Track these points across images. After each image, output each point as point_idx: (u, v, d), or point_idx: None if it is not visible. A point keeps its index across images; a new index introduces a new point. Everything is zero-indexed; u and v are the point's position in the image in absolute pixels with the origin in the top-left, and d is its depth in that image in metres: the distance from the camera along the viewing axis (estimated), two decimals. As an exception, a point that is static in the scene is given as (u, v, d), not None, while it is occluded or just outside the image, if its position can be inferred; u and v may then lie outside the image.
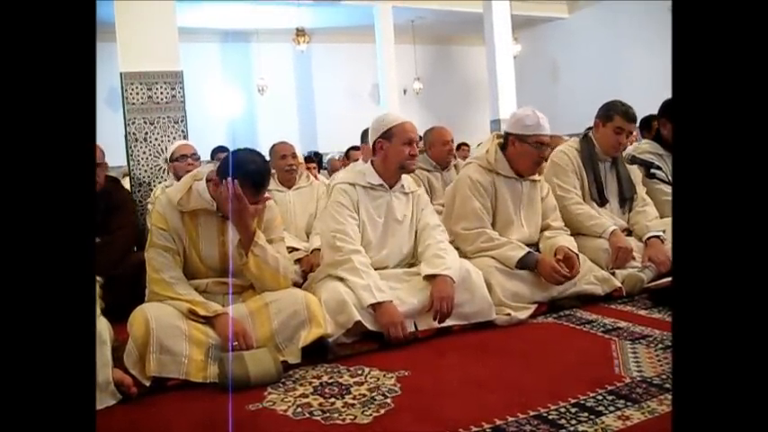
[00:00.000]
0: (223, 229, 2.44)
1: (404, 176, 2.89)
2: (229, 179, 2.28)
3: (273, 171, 3.97)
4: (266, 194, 2.49)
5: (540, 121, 3.00)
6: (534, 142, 3.00)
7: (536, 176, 3.18)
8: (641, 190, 3.52)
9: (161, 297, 2.32)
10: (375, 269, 2.66)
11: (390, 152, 2.77)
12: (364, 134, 4.34)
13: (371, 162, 2.85)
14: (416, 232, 2.88)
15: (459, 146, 8.03)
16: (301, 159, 4.43)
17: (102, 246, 3.20)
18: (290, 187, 3.93)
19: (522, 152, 3.04)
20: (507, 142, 3.10)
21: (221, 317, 2.28)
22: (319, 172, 6.69)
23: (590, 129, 3.52)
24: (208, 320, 2.28)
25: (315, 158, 6.98)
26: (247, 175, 2.29)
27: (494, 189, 3.08)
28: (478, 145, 3.99)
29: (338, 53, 16.90)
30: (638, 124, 5.56)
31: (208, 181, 2.41)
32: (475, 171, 3.10)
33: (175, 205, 2.39)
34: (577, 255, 2.96)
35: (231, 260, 2.43)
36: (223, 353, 2.20)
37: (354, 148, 6.41)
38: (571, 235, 3.17)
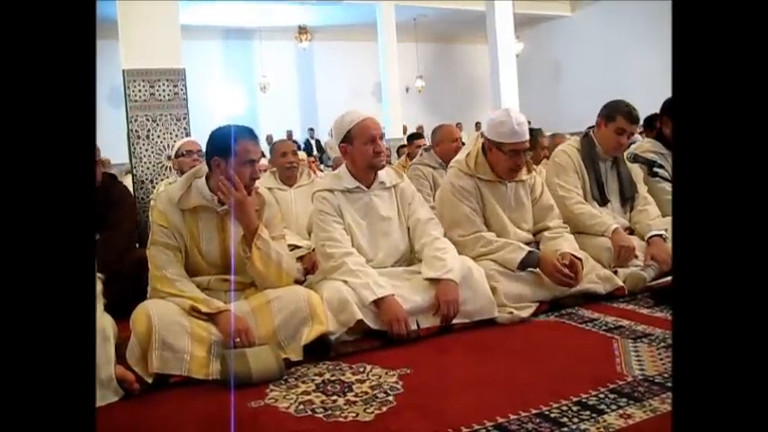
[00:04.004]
0: (223, 225, 2.44)
1: (382, 171, 2.84)
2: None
3: (275, 169, 3.97)
4: (266, 192, 2.51)
5: (515, 128, 2.88)
6: (509, 151, 2.92)
7: (522, 176, 3.11)
8: (642, 189, 3.50)
9: (163, 294, 2.32)
10: (374, 270, 2.65)
11: (355, 154, 2.74)
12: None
13: (345, 165, 2.84)
14: (409, 229, 2.86)
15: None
16: (302, 155, 4.42)
17: (102, 242, 3.20)
18: (291, 185, 3.93)
19: (498, 159, 2.97)
20: (485, 146, 3.04)
21: (223, 314, 2.29)
22: (319, 166, 6.69)
23: (591, 127, 3.51)
24: (210, 317, 2.29)
25: (311, 133, 7.01)
26: (239, 131, 2.38)
27: (478, 192, 3.03)
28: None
29: (340, 51, 16.93)
30: (641, 124, 5.56)
31: (208, 178, 2.42)
32: (455, 176, 3.06)
33: (176, 203, 2.39)
34: (580, 259, 2.94)
35: (233, 256, 2.44)
36: (225, 350, 2.21)
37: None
38: (572, 233, 3.16)
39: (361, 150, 2.72)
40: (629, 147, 3.56)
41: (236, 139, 2.36)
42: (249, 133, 2.42)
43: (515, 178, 3.07)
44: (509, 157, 2.94)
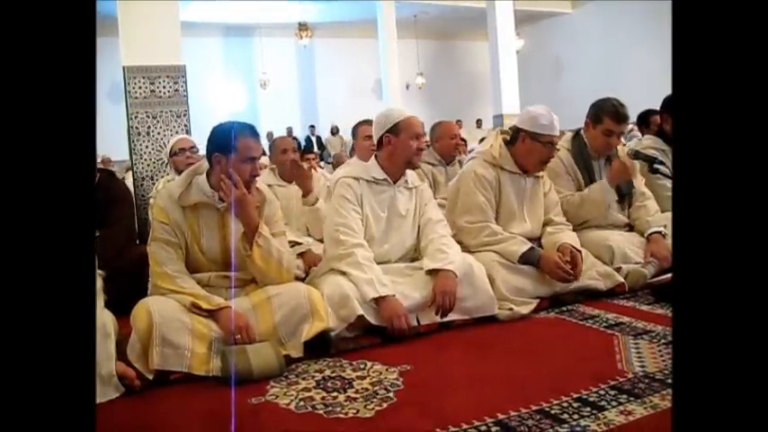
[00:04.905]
0: (224, 222, 2.44)
1: (408, 171, 2.88)
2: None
3: (274, 166, 3.97)
4: (266, 189, 2.52)
5: (554, 122, 2.99)
6: (546, 142, 3.00)
7: (539, 172, 3.17)
8: (640, 184, 3.50)
9: (164, 291, 2.32)
10: (378, 263, 2.66)
11: (398, 147, 2.76)
12: (354, 130, 4.31)
13: (375, 156, 2.85)
14: (419, 227, 2.88)
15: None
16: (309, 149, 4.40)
17: (101, 239, 3.20)
18: (290, 182, 3.92)
19: (533, 150, 3.02)
20: (517, 138, 3.08)
21: (224, 310, 2.29)
22: (319, 163, 6.70)
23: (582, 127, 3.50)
24: (210, 314, 2.29)
25: (312, 130, 7.03)
26: (240, 128, 2.39)
27: (498, 184, 3.08)
28: (481, 140, 3.99)
29: (340, 48, 16.93)
30: (635, 120, 5.54)
31: (208, 174, 2.42)
32: (479, 165, 3.10)
33: (176, 200, 2.40)
34: (580, 251, 2.96)
35: (234, 253, 2.44)
36: (226, 346, 2.21)
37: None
38: (573, 230, 3.17)
39: (405, 144, 2.75)
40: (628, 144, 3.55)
41: (237, 136, 2.36)
42: (250, 130, 2.42)
43: (541, 172, 3.14)
44: (544, 148, 3.01)
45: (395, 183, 2.83)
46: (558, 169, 3.37)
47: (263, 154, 4.40)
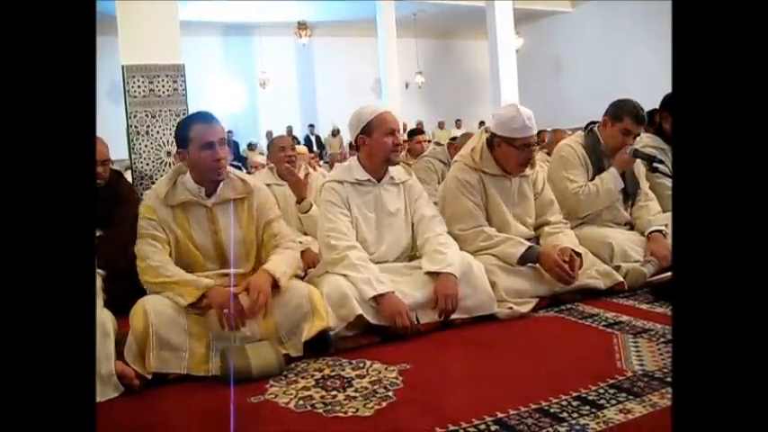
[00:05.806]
0: (213, 217, 2.45)
1: (393, 167, 2.86)
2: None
3: (272, 165, 3.96)
4: (251, 179, 2.59)
5: (525, 122, 2.90)
6: (521, 145, 2.94)
7: (526, 171, 3.11)
8: (644, 184, 3.50)
9: (153, 285, 2.30)
10: (375, 264, 2.65)
11: (373, 146, 2.74)
12: None
13: (357, 157, 2.84)
14: (413, 224, 2.87)
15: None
16: (303, 149, 4.41)
17: (104, 239, 3.20)
18: (289, 181, 3.91)
19: (509, 154, 2.97)
20: (493, 142, 3.04)
21: (212, 289, 2.26)
22: (319, 162, 6.71)
23: (593, 123, 3.50)
24: (202, 302, 2.25)
25: (311, 129, 7.06)
26: (192, 117, 2.44)
27: (482, 187, 3.03)
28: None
29: (340, 47, 16.93)
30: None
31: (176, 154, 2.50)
32: (461, 170, 3.06)
33: (162, 200, 2.40)
34: (580, 255, 2.94)
35: (233, 250, 2.44)
36: (225, 345, 2.20)
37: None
38: (573, 227, 3.17)
39: (380, 142, 2.72)
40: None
41: (190, 126, 2.38)
42: (203, 116, 2.41)
43: (523, 173, 3.09)
44: (520, 152, 2.95)
45: (379, 181, 2.82)
46: (572, 159, 3.37)
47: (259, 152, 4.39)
